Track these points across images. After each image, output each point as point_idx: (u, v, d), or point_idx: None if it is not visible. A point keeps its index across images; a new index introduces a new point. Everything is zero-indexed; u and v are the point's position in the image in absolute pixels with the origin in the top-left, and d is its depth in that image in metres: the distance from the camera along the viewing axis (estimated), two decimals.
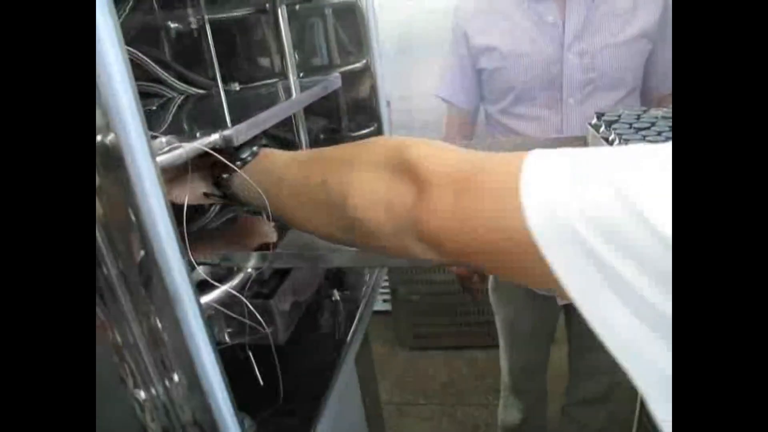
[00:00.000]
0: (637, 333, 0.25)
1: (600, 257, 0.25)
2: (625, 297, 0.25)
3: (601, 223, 0.25)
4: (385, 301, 2.28)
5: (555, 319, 1.35)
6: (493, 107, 1.17)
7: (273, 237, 0.57)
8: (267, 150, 0.50)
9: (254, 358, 0.55)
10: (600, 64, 1.04)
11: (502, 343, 1.43)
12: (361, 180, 0.38)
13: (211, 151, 0.41)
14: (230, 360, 0.52)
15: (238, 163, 0.48)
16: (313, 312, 0.72)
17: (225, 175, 0.49)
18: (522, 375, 1.45)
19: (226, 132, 0.42)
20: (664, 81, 1.12)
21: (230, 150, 0.48)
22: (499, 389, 1.54)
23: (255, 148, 0.49)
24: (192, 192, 0.50)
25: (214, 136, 0.42)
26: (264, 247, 0.51)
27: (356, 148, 0.42)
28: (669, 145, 0.25)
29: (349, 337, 0.69)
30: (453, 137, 1.31)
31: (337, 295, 0.78)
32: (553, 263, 0.27)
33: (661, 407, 0.25)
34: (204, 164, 0.51)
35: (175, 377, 0.38)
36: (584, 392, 1.41)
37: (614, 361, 0.27)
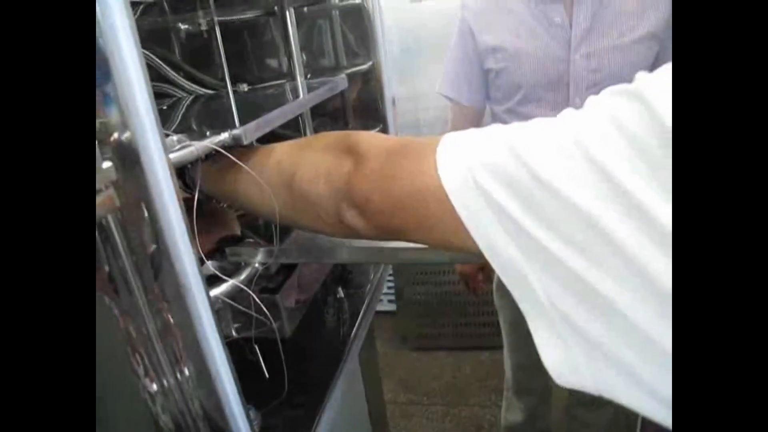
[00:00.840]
0: (521, 264, 0.30)
1: (496, 201, 0.30)
2: (513, 234, 0.30)
3: (496, 171, 0.31)
4: (390, 301, 2.29)
5: None
6: (500, 107, 1.17)
7: (237, 229, 0.60)
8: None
9: (260, 352, 0.56)
10: (607, 66, 1.04)
11: (505, 343, 1.44)
12: (309, 158, 0.45)
13: (219, 149, 0.43)
14: (237, 353, 0.54)
15: (203, 156, 0.49)
16: (318, 308, 0.74)
17: (189, 166, 0.51)
18: (525, 375, 1.45)
19: (235, 131, 0.44)
20: None
21: None
22: (503, 390, 1.54)
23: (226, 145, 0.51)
24: None
25: (224, 135, 0.43)
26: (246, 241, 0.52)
27: (310, 138, 0.50)
28: (554, 118, 0.32)
29: (353, 332, 0.70)
30: None
31: (341, 292, 0.79)
32: (458, 209, 0.32)
33: (539, 331, 0.31)
34: None
35: (186, 369, 0.40)
36: (588, 394, 1.41)
37: None
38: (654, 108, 0.26)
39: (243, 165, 0.46)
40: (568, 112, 0.32)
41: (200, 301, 0.35)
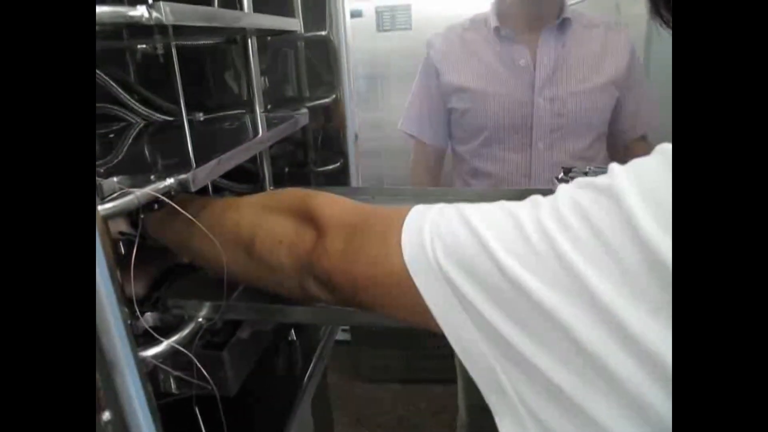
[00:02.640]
0: (489, 358, 0.29)
1: (462, 293, 0.30)
2: (481, 327, 0.29)
3: (463, 261, 0.30)
4: (344, 330, 2.24)
5: None
6: (463, 147, 1.17)
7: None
8: (184, 194, 0.51)
9: (206, 408, 0.52)
10: (569, 110, 1.05)
11: (460, 380, 1.42)
12: (269, 223, 0.43)
13: (163, 197, 0.39)
14: (178, 410, 0.49)
15: (156, 204, 0.47)
16: (268, 354, 0.69)
17: (142, 216, 0.48)
18: (479, 413, 1.43)
19: (182, 176, 0.40)
20: (631, 127, 1.14)
21: None
22: (455, 426, 1.52)
23: (173, 192, 0.49)
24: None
25: (169, 181, 0.40)
26: (218, 296, 0.48)
27: (268, 197, 0.48)
28: (521, 203, 0.31)
29: (304, 382, 0.66)
30: (420, 179, 1.29)
31: (293, 334, 0.75)
32: (425, 296, 0.32)
33: (506, 425, 0.29)
34: None
35: (105, 416, 0.36)
36: None
37: None
38: (623, 205, 0.25)
39: (195, 221, 0.43)
40: (535, 199, 0.31)
41: (129, 375, 0.31)
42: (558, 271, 0.26)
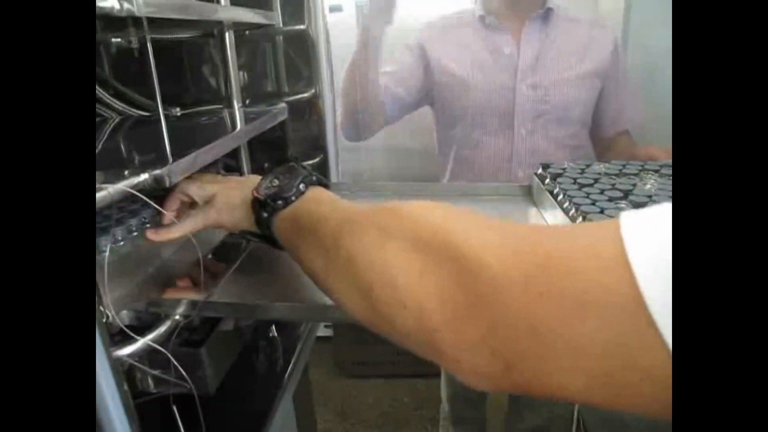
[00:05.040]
0: None
1: None
2: None
3: None
4: (326, 326, 2.24)
5: None
6: (446, 133, 1.18)
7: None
8: (313, 191, 0.46)
9: (185, 406, 0.51)
10: (551, 98, 1.07)
11: (443, 373, 1.43)
12: (388, 268, 0.31)
13: (138, 193, 0.38)
14: (156, 409, 0.48)
15: (280, 202, 0.44)
16: (248, 351, 0.69)
17: (265, 215, 0.45)
18: (462, 404, 1.45)
19: (157, 171, 0.39)
20: (613, 121, 1.16)
21: (274, 185, 0.45)
22: (437, 419, 1.53)
23: (302, 186, 0.45)
24: (233, 226, 0.49)
25: (144, 176, 0.39)
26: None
27: (388, 216, 0.35)
28: None
29: (285, 379, 0.66)
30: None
31: (274, 331, 0.74)
32: None
33: None
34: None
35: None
36: (523, 423, 1.41)
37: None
38: None
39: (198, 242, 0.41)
40: None
41: (103, 373, 0.30)
42: None
